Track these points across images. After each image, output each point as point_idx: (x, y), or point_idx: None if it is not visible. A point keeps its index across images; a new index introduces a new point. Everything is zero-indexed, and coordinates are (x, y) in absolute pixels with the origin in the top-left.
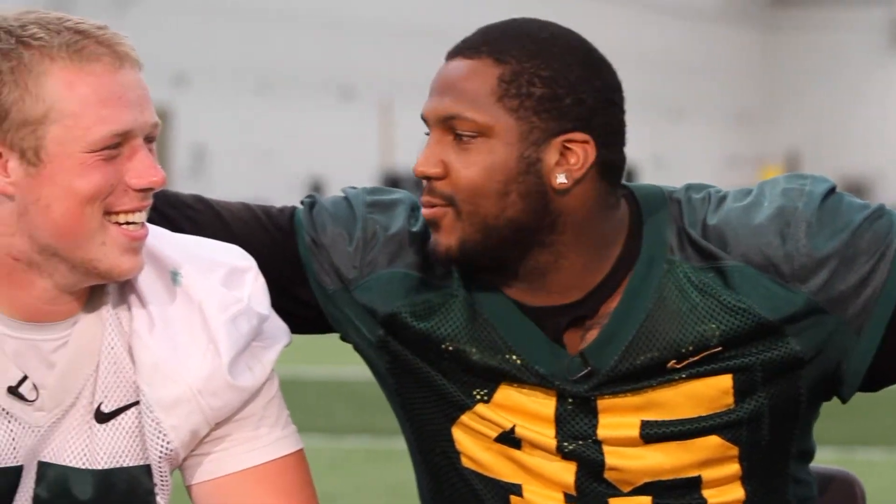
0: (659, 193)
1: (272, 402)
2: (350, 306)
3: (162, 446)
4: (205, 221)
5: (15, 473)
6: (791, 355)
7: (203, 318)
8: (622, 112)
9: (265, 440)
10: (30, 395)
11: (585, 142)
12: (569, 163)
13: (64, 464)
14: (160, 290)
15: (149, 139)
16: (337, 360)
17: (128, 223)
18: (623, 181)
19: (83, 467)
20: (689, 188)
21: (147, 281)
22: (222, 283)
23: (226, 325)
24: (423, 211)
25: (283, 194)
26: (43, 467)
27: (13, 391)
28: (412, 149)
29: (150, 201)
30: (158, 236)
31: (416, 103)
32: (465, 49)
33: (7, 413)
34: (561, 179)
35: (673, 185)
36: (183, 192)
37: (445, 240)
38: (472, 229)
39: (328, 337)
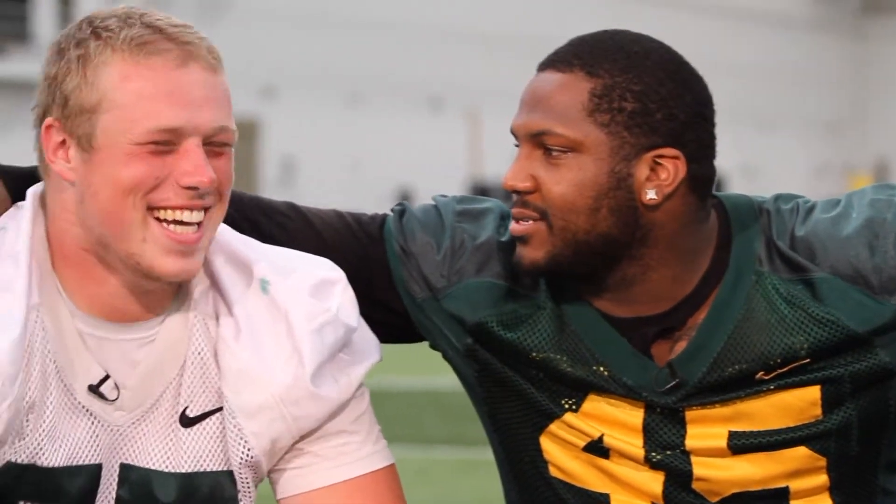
0: (748, 204)
1: (362, 418)
2: (438, 315)
3: (243, 452)
4: (295, 228)
5: (94, 472)
6: (880, 367)
7: (289, 326)
8: (713, 126)
9: (355, 455)
10: (110, 395)
11: (676, 157)
12: (659, 178)
13: (147, 466)
14: (248, 297)
15: (216, 143)
16: (426, 369)
17: (176, 222)
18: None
19: (167, 470)
20: (778, 198)
21: (235, 288)
22: (310, 293)
23: (311, 334)
24: (513, 227)
25: (372, 205)
26: (125, 469)
27: (94, 389)
28: (500, 159)
29: (201, 202)
30: (248, 245)
31: (505, 113)
32: (557, 62)
33: (87, 411)
34: (651, 195)
35: (762, 194)
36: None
37: (532, 254)
38: (563, 244)
39: (417, 346)
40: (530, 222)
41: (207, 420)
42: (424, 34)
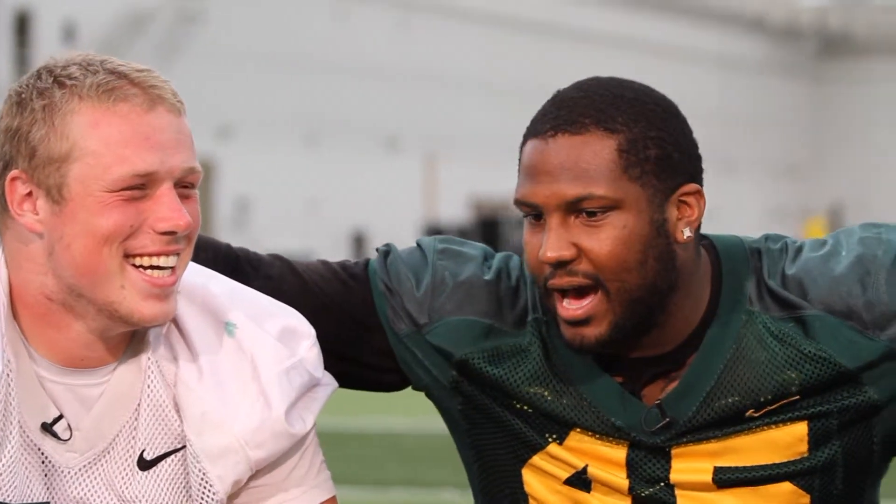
0: (738, 244)
1: (307, 452)
2: (422, 348)
3: (208, 496)
4: (279, 276)
5: None
6: (867, 403)
7: (255, 369)
8: None
9: (296, 491)
10: (63, 435)
11: (697, 192)
12: (686, 215)
13: None
14: (212, 340)
15: (185, 184)
16: (384, 411)
17: (152, 267)
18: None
19: None
20: (768, 238)
21: (199, 330)
22: (277, 337)
23: (278, 376)
24: (570, 311)
25: (327, 245)
26: None
27: (47, 428)
28: (455, 201)
29: (177, 247)
30: (221, 289)
31: (459, 156)
32: (564, 125)
33: (39, 450)
34: (687, 233)
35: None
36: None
37: (595, 331)
38: (621, 308)
39: None
40: (589, 299)
41: (165, 462)
42: (380, 76)
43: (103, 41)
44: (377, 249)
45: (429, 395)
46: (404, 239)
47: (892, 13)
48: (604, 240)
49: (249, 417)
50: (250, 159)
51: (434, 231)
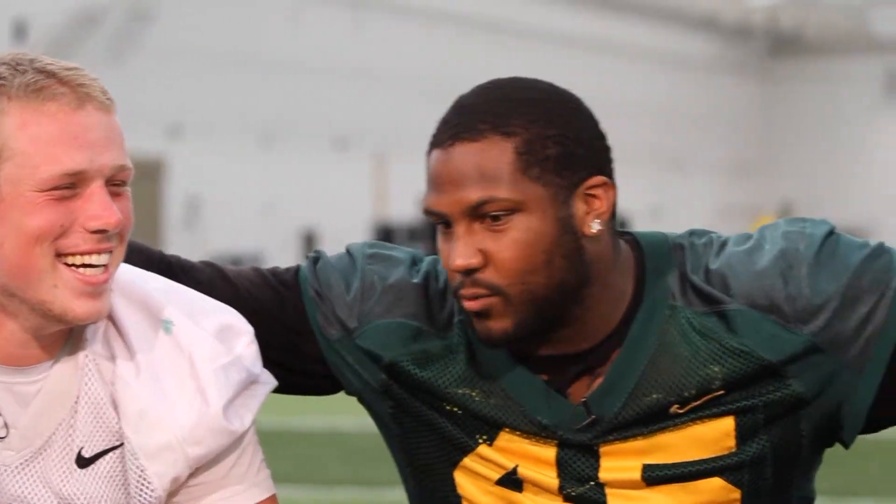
0: (662, 240)
1: (246, 450)
2: (353, 353)
3: (147, 494)
4: (210, 281)
5: None
6: (793, 396)
7: (192, 366)
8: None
9: (236, 489)
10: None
11: (604, 184)
12: (595, 208)
13: None
14: (150, 337)
15: (116, 182)
16: (328, 411)
17: (84, 266)
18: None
19: None
20: (692, 234)
21: (137, 328)
22: (214, 335)
23: (215, 373)
24: (469, 304)
25: (278, 246)
26: None
27: None
28: (406, 200)
29: (109, 244)
30: (157, 287)
31: (410, 155)
32: (461, 133)
33: None
34: (596, 227)
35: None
36: (177, 243)
37: (500, 325)
38: (524, 308)
39: None
40: (483, 298)
41: (103, 459)
42: (332, 75)
43: (54, 39)
44: (307, 256)
45: (360, 400)
46: (355, 238)
47: (843, 13)
48: (508, 244)
49: (187, 414)
50: (201, 159)
51: (385, 230)
